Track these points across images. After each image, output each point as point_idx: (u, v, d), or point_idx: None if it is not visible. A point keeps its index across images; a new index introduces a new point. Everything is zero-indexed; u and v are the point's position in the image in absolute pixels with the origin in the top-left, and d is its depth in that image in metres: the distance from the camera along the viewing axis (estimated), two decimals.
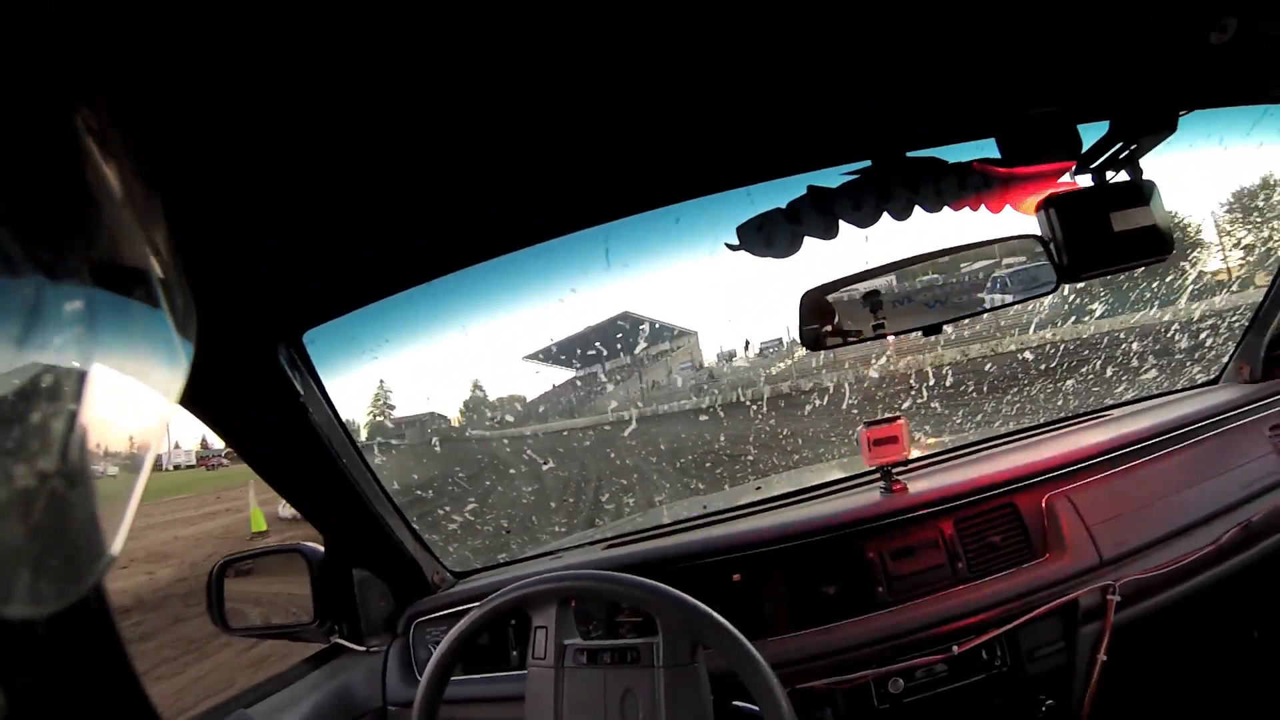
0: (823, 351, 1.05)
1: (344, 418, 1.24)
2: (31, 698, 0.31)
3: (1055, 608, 1.17)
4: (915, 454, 1.43)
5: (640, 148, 0.93)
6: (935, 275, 1.06)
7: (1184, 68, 1.02)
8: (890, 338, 1.05)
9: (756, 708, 0.88)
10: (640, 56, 0.70)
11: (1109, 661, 1.18)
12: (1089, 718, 1.21)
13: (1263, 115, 1.21)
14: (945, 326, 1.02)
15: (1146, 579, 1.21)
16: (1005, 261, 1.07)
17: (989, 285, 1.07)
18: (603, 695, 0.95)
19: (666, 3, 0.62)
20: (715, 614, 0.90)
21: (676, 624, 0.93)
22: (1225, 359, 1.59)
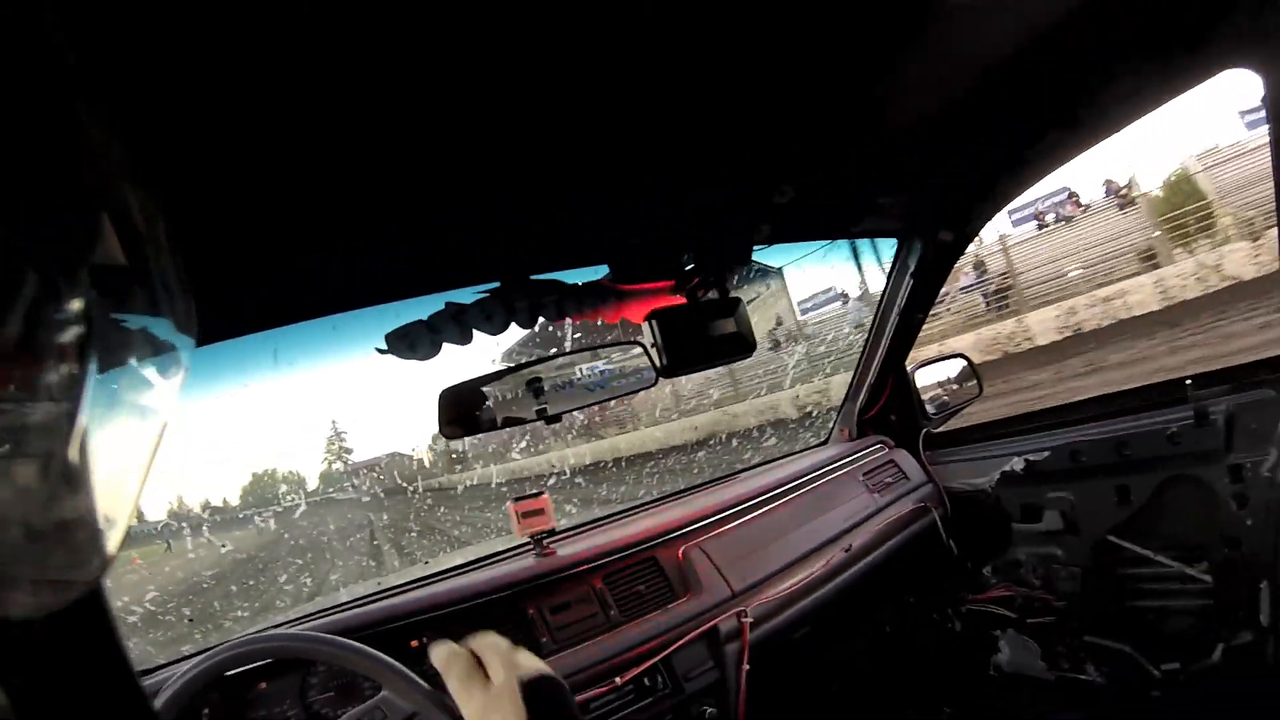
0: (463, 441, 1.19)
1: None
2: (31, 698, 0.30)
3: (699, 634, 1.40)
4: (564, 524, 1.62)
5: (311, 264, 1.01)
6: (556, 373, 1.25)
7: (756, 216, 1.32)
8: (514, 427, 1.22)
9: None
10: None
11: (752, 670, 1.43)
12: (745, 716, 1.46)
13: (824, 246, 1.59)
14: (563, 415, 1.21)
15: (772, 602, 1.50)
16: (615, 362, 1.30)
17: (598, 380, 1.29)
18: None
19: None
20: (379, 655, 0.95)
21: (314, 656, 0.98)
22: (831, 425, 2.04)
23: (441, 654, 0.73)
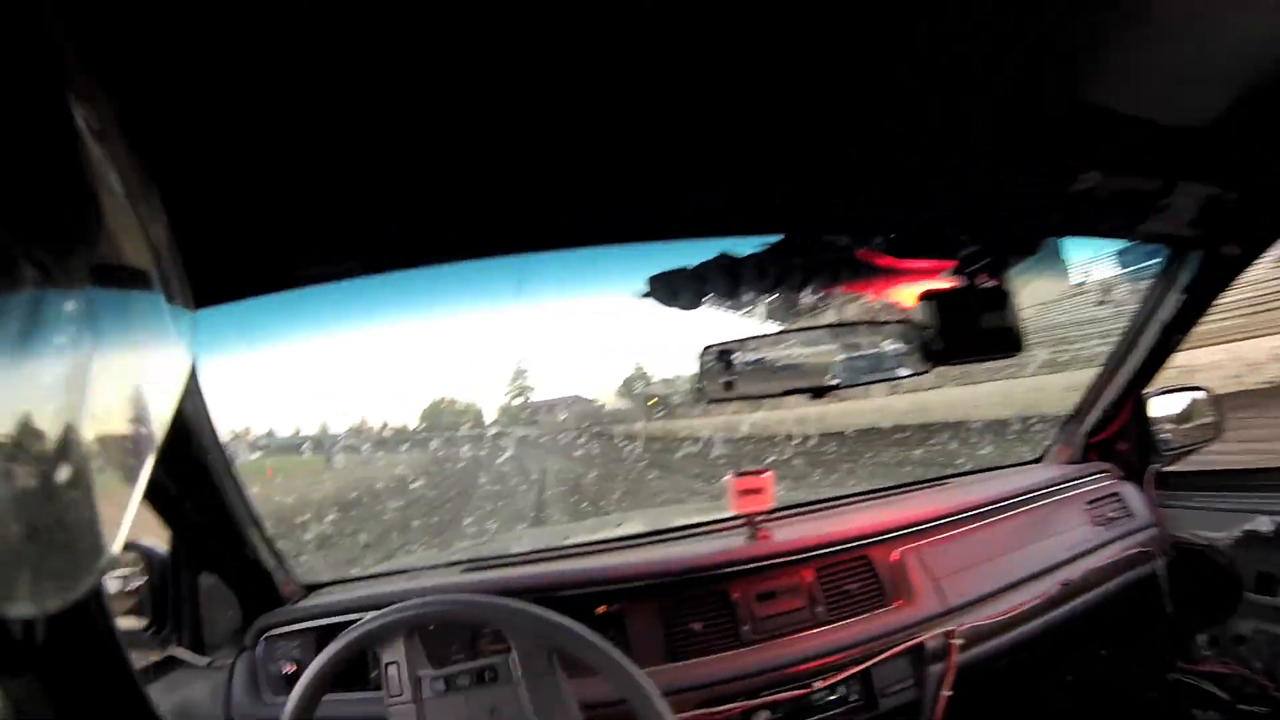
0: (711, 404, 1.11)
1: (211, 410, 1.14)
2: (32, 698, 0.31)
3: (905, 649, 1.29)
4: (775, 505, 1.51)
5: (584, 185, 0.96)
6: (826, 345, 1.15)
7: (1051, 204, 1.18)
8: (769, 398, 1.13)
9: None
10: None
11: (952, 696, 1.31)
12: None
13: (1100, 248, 1.40)
14: (827, 393, 1.11)
15: (984, 625, 1.36)
16: (887, 341, 1.18)
17: (872, 361, 1.18)
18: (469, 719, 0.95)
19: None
20: (565, 619, 0.92)
21: (529, 634, 0.94)
22: (1047, 443, 1.84)
23: None
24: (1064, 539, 1.54)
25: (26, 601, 0.24)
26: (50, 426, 0.24)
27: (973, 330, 1.17)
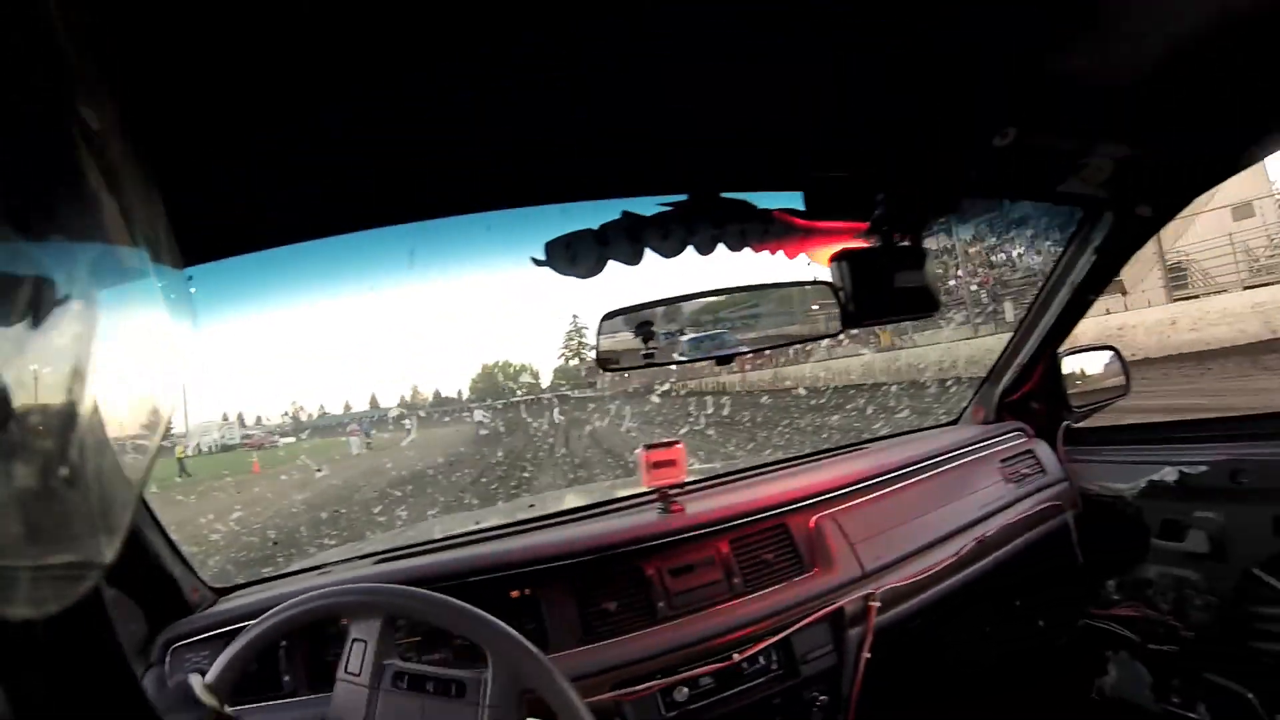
0: (611, 373, 1.05)
1: None
2: (32, 698, 0.30)
3: (824, 615, 1.29)
4: (690, 478, 1.49)
5: (469, 143, 0.87)
6: (732, 309, 1.10)
7: (969, 161, 1.14)
8: (675, 366, 1.07)
9: None
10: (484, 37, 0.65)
11: (871, 658, 1.33)
12: (856, 707, 1.35)
13: (1024, 208, 1.39)
14: (733, 359, 1.06)
15: (902, 586, 1.38)
16: (799, 303, 1.14)
17: (782, 323, 1.14)
18: None
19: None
20: (552, 665, 0.88)
21: (511, 667, 0.88)
22: (964, 404, 1.87)
23: None
24: (979, 497, 1.57)
25: (27, 601, 0.24)
26: (51, 426, 0.24)
27: (887, 290, 1.13)
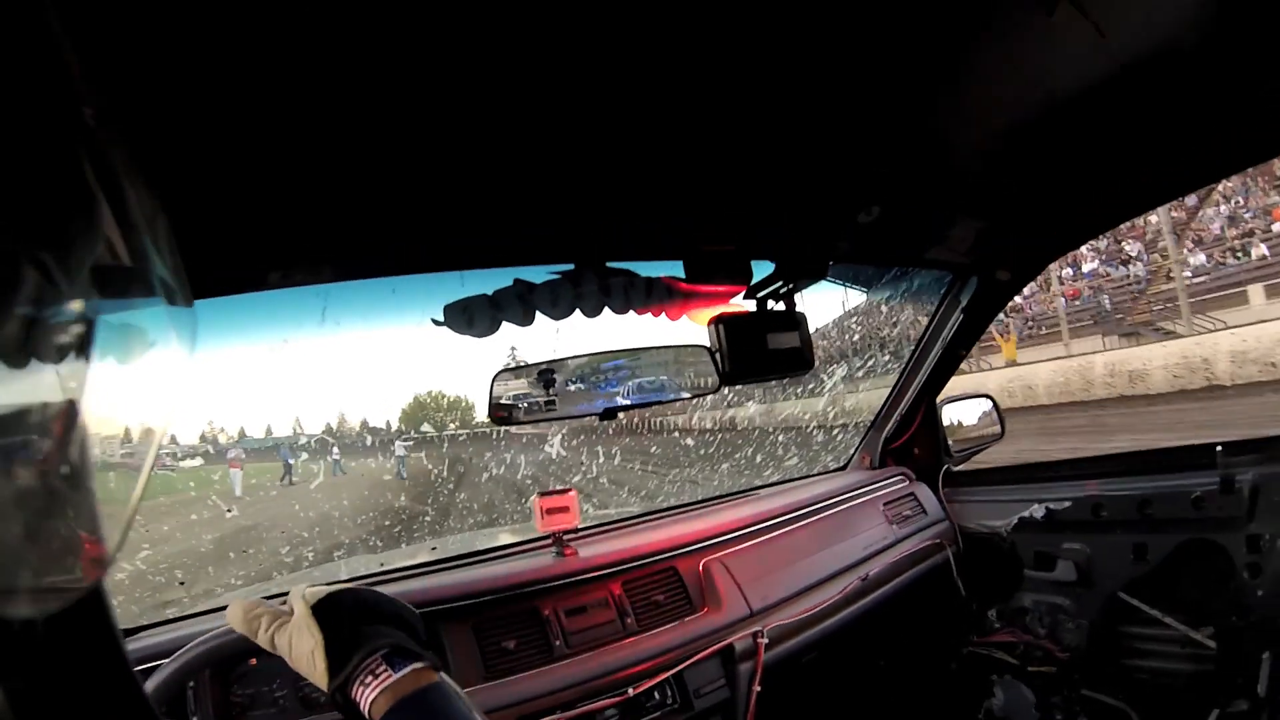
0: (505, 428, 1.12)
1: None
2: (31, 698, 0.30)
3: (714, 651, 1.36)
4: (583, 524, 1.55)
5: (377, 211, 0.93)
6: (616, 369, 1.19)
7: (838, 234, 1.28)
8: (567, 421, 1.15)
9: None
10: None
11: (763, 691, 1.40)
12: None
13: (894, 274, 1.56)
14: (618, 414, 1.15)
15: (788, 624, 1.47)
16: (677, 364, 1.24)
17: (661, 382, 1.24)
18: None
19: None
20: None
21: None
22: (851, 451, 2.02)
23: (237, 613, 0.76)
24: (863, 538, 1.69)
25: (27, 601, 0.24)
26: (51, 427, 0.24)
27: (761, 352, 1.24)
